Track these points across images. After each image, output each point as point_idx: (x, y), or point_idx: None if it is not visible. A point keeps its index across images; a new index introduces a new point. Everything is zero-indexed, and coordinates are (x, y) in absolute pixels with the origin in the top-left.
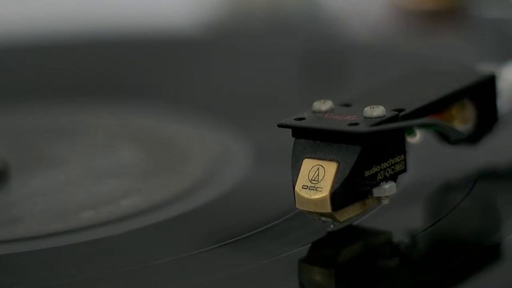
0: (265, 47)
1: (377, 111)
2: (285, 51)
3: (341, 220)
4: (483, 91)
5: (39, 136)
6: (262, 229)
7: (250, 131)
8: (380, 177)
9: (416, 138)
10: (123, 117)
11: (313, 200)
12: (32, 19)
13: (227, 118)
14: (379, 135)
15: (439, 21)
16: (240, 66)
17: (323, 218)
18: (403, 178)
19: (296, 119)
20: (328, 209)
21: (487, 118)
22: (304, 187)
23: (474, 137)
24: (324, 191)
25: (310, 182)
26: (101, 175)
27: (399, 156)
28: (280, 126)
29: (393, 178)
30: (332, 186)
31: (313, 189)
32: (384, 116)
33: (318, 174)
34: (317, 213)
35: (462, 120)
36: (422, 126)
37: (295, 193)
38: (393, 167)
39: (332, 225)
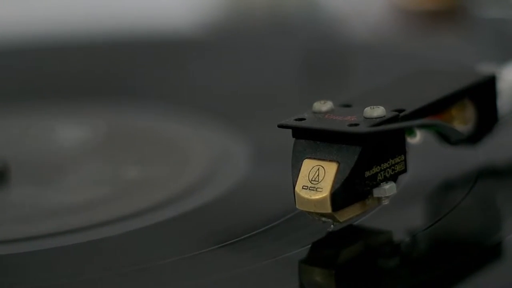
0: (265, 47)
1: (377, 111)
2: (285, 51)
3: (341, 221)
4: (483, 92)
5: (39, 136)
6: (262, 229)
7: (250, 131)
8: (380, 178)
9: (416, 139)
10: (123, 117)
11: (313, 200)
12: (32, 20)
13: (227, 118)
14: (379, 135)
15: (439, 21)
16: (240, 66)
17: (323, 219)
18: (403, 177)
19: (296, 120)
20: (328, 209)
21: (487, 119)
22: (304, 187)
23: (474, 138)
24: (324, 192)
25: (310, 182)
26: (101, 175)
27: (399, 157)
28: (280, 126)
29: (393, 178)
30: (332, 187)
31: (313, 190)
32: (384, 116)
33: (318, 175)
34: (317, 213)
35: (462, 120)
36: (422, 126)
37: (295, 194)
38: (393, 167)
39: (332, 226)
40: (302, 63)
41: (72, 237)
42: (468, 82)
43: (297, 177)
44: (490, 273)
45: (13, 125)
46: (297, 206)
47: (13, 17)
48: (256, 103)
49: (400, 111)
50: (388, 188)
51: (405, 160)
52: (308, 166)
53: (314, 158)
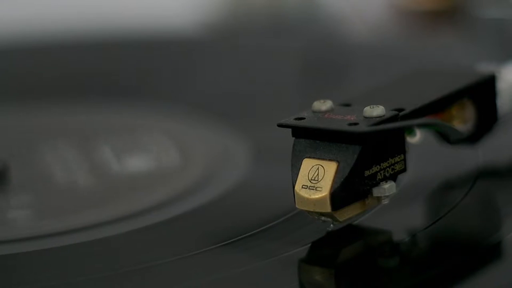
0: (265, 47)
1: (377, 110)
2: (285, 51)
3: (341, 220)
4: (483, 91)
5: (39, 136)
6: (261, 229)
7: (250, 131)
8: (380, 177)
9: (416, 138)
10: (123, 117)
11: (313, 199)
12: (32, 20)
13: (227, 118)
14: (378, 134)
15: (439, 21)
16: (240, 66)
17: (322, 218)
18: (403, 177)
19: (296, 119)
20: (328, 208)
21: (487, 118)
22: (304, 186)
23: (474, 137)
24: (324, 191)
25: (310, 182)
26: (101, 175)
27: (399, 156)
28: (280, 125)
29: (393, 177)
30: (332, 186)
31: (313, 189)
32: (383, 115)
33: (318, 174)
34: (316, 212)
35: (462, 120)
36: (422, 126)
37: (295, 193)
38: (393, 166)
39: (332, 225)
40: (302, 63)
41: (72, 237)
42: (468, 82)
43: (297, 176)
44: (489, 272)
45: (13, 125)
46: (296, 206)
47: (12, 17)
48: (256, 103)
49: (400, 110)
50: (387, 188)
51: (404, 160)
52: (307, 165)
53: (314, 158)
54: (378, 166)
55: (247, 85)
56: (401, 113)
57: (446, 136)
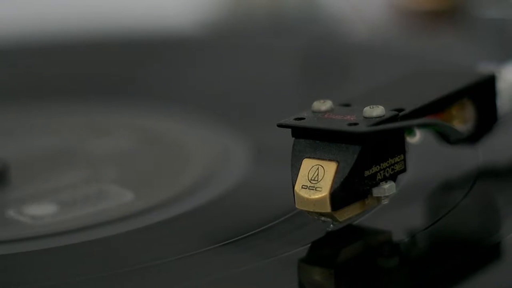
0: (265, 47)
1: (377, 111)
2: (285, 51)
3: (340, 220)
4: (483, 91)
5: (39, 136)
6: (261, 229)
7: (250, 131)
8: (379, 177)
9: (415, 138)
10: (123, 117)
11: (313, 200)
12: (32, 20)
13: (227, 118)
14: (378, 135)
15: (439, 21)
16: (240, 66)
17: (322, 218)
18: (403, 177)
19: (295, 119)
20: (327, 209)
21: (487, 118)
22: (303, 187)
23: (474, 137)
24: (323, 191)
25: (310, 182)
26: (101, 175)
27: (398, 156)
28: (279, 126)
29: (393, 178)
30: (332, 186)
31: (313, 189)
32: (383, 116)
33: (317, 174)
34: (316, 213)
35: (462, 120)
36: (421, 126)
37: (295, 193)
38: (392, 167)
39: (331, 225)
40: (302, 63)
41: (72, 237)
42: (467, 82)
43: (297, 176)
44: (489, 273)
45: (13, 125)
46: (296, 206)
47: (11, 17)
48: (256, 103)
49: (400, 110)
50: (387, 188)
51: (404, 160)
52: (307, 165)
53: (314, 158)
54: (378, 166)
55: (247, 85)
56: (401, 113)
57: (446, 136)
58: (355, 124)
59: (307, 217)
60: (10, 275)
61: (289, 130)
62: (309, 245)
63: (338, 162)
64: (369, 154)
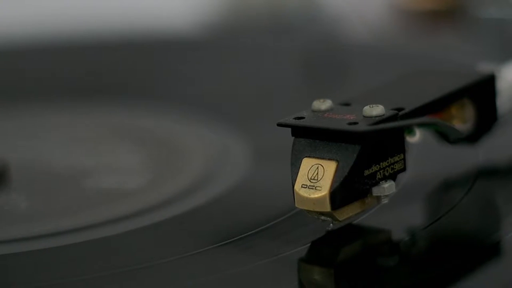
0: (265, 47)
1: (376, 110)
2: (285, 51)
3: (340, 219)
4: (483, 91)
5: (39, 136)
6: (261, 228)
7: (250, 131)
8: (379, 176)
9: (415, 138)
10: (123, 117)
11: (313, 199)
12: (32, 20)
13: (227, 118)
14: (378, 134)
15: (439, 21)
16: (240, 66)
17: (322, 217)
18: (403, 176)
19: (295, 118)
20: (327, 208)
21: (486, 118)
22: (303, 186)
23: (473, 137)
24: (323, 190)
25: (310, 181)
26: (101, 175)
27: (398, 155)
28: (279, 125)
29: (393, 177)
30: (332, 185)
31: (313, 188)
32: (383, 115)
33: (317, 173)
34: (316, 212)
35: (462, 119)
36: (421, 125)
37: (295, 192)
38: (392, 166)
39: (331, 224)
40: (302, 63)
41: (72, 237)
42: (467, 81)
43: (296, 175)
44: (489, 271)
45: (13, 125)
46: (296, 205)
47: (10, 17)
48: (256, 103)
49: (400, 109)
50: (387, 187)
51: (404, 159)
52: (307, 164)
53: (313, 157)
54: (377, 165)
55: (247, 85)
56: (400, 113)
57: (445, 136)
58: (355, 123)
59: (307, 217)
60: (10, 275)
61: (289, 129)
62: (309, 244)
63: (337, 161)
64: (369, 153)
